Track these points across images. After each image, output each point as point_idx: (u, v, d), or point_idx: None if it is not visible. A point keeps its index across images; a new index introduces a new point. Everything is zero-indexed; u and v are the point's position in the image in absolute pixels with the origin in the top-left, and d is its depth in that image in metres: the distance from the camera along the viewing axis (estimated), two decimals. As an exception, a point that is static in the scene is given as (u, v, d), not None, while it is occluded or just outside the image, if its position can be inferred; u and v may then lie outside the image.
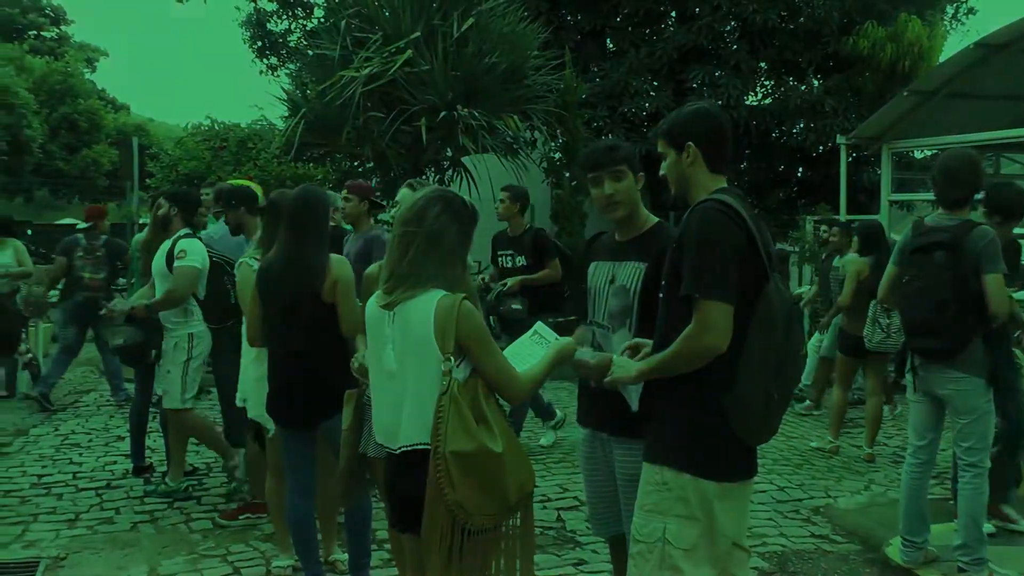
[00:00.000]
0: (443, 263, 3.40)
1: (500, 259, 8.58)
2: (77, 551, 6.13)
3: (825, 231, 11.18)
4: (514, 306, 8.08)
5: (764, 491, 7.42)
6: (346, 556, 5.57)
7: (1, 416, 7.84)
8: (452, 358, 3.25)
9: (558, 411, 8.93)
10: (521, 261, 8.37)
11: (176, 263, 6.73)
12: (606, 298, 4.04)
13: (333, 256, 5.03)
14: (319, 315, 4.92)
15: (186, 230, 6.99)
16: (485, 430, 3.25)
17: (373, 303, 3.53)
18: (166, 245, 6.91)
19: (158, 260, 6.93)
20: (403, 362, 3.38)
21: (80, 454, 8.51)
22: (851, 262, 8.70)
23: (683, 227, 3.35)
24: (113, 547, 6.24)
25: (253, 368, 5.57)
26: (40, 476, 7.80)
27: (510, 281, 8.23)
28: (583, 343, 4.07)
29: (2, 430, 8.42)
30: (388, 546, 5.85)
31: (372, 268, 5.23)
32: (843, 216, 13.47)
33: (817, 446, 8.93)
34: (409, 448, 3.33)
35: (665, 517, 3.37)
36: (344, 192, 7.02)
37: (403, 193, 5.78)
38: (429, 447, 3.23)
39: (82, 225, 11.20)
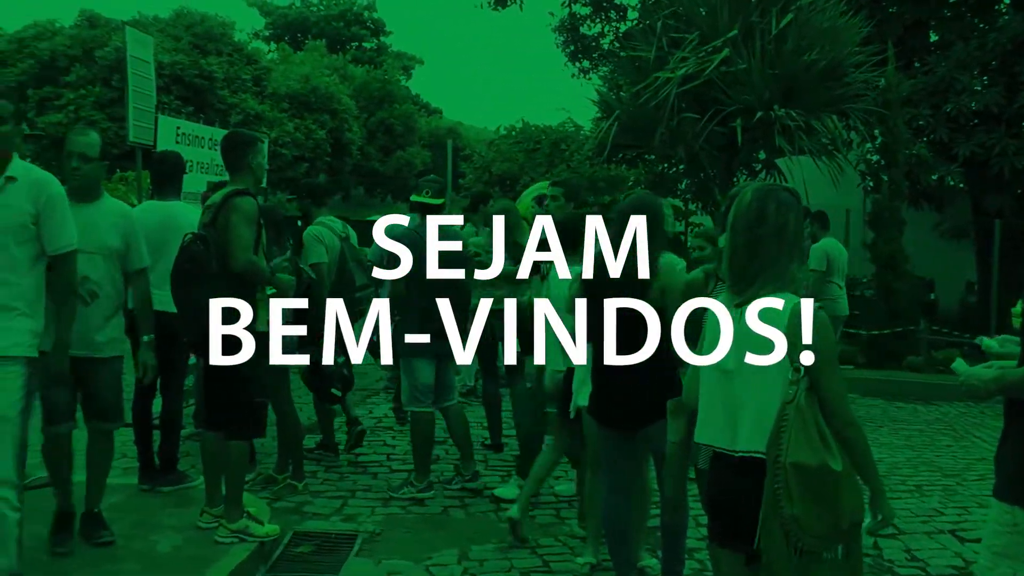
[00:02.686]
0: (788, 257, 3.31)
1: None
2: (391, 529, 6.39)
3: None
4: None
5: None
6: (654, 562, 5.53)
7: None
8: (801, 368, 3.10)
9: None
10: None
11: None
12: None
13: (663, 261, 4.93)
14: (643, 318, 4.83)
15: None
16: (825, 446, 3.08)
17: (718, 302, 3.46)
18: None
19: None
20: (744, 363, 3.27)
21: (392, 437, 8.88)
22: None
23: None
24: (424, 528, 6.45)
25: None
26: (356, 455, 8.17)
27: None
28: None
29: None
30: (697, 556, 5.79)
31: (696, 273, 5.12)
32: None
33: None
34: (742, 455, 3.22)
35: (1016, 562, 3.13)
36: None
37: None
38: (764, 457, 3.10)
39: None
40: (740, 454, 3.25)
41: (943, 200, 16.91)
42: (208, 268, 5.47)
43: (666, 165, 15.36)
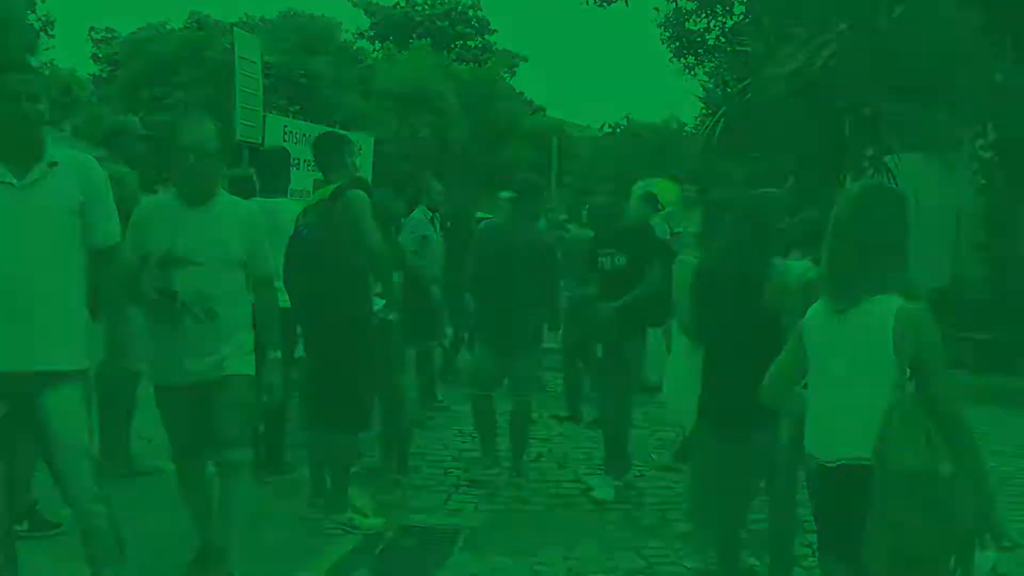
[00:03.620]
0: (893, 259, 3.24)
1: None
2: (495, 525, 6.39)
3: None
4: None
5: None
6: (758, 563, 5.47)
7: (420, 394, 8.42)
8: (908, 369, 3.02)
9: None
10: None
11: None
12: None
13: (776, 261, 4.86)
14: (757, 320, 4.74)
15: None
16: (933, 450, 2.99)
17: (819, 307, 3.39)
18: None
19: None
20: (853, 369, 3.20)
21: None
22: None
23: None
24: (529, 526, 6.44)
25: (681, 359, 5.65)
26: (460, 451, 8.21)
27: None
28: None
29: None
30: (803, 563, 5.63)
31: (812, 274, 5.03)
32: None
33: None
34: (849, 462, 3.14)
35: None
36: None
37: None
38: (869, 463, 3.05)
39: None
40: (844, 462, 3.19)
41: (1064, 199, 16.34)
42: (329, 259, 5.55)
43: (774, 162, 15.15)
